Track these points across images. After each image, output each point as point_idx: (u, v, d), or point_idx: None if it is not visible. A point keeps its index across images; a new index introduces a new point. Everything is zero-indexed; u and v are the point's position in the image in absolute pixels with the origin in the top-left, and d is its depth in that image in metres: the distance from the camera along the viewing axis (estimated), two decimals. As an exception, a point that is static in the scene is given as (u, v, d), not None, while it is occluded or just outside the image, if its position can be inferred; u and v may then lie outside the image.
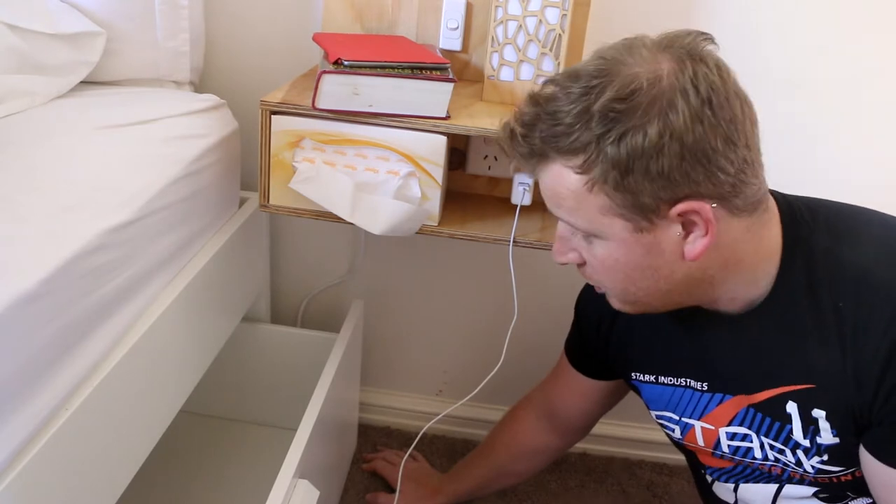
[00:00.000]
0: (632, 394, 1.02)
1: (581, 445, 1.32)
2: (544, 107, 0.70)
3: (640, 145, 0.66)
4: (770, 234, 0.76)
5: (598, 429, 1.20)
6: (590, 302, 1.01)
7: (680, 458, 1.07)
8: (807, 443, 0.80)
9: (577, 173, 0.69)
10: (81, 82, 1.06)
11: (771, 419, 0.81)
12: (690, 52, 0.69)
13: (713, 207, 0.69)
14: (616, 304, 0.82)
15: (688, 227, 0.71)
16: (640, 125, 0.66)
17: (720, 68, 0.69)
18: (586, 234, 0.74)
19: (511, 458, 1.20)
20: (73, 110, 0.98)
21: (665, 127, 0.66)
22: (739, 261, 0.75)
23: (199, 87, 1.21)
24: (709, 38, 0.71)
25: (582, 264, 0.79)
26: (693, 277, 0.75)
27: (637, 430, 1.43)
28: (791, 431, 0.80)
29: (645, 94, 0.66)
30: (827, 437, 0.78)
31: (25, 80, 0.96)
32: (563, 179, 0.71)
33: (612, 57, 0.70)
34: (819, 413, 0.77)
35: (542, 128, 0.70)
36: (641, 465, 1.44)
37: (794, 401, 0.78)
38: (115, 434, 0.80)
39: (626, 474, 1.42)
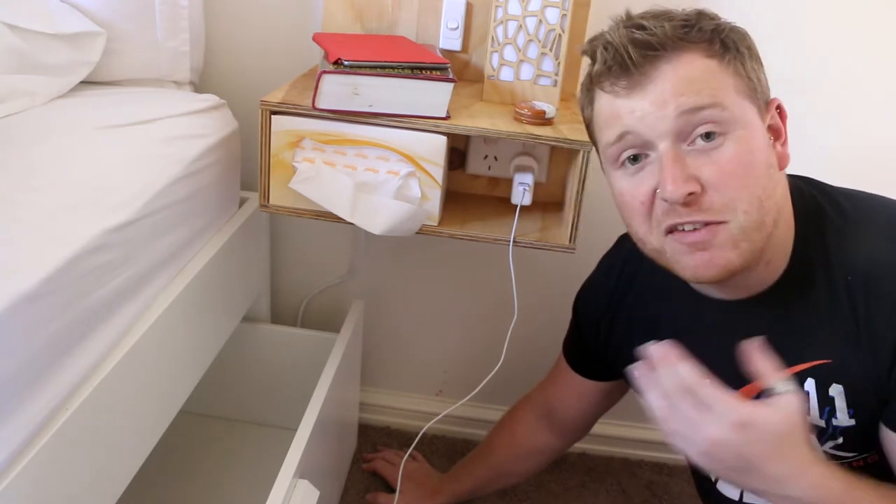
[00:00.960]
0: (631, 393, 1.02)
1: (581, 445, 1.32)
2: (647, 20, 0.74)
3: (744, 39, 0.75)
4: (787, 206, 0.78)
5: (598, 428, 1.20)
6: (589, 301, 1.01)
7: (680, 457, 1.07)
8: (822, 423, 0.79)
9: (711, 57, 0.73)
10: (81, 82, 1.06)
11: None
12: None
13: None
14: (735, 239, 0.72)
15: (774, 131, 0.76)
16: (733, 26, 0.75)
17: None
18: (725, 123, 0.71)
19: (510, 459, 1.20)
20: (73, 110, 0.98)
21: (746, 34, 0.76)
22: (784, 202, 0.77)
23: (199, 87, 1.21)
24: None
25: (697, 194, 0.71)
26: (780, 202, 0.76)
27: (637, 429, 1.43)
28: (807, 413, 0.79)
29: (714, 14, 0.75)
30: (843, 418, 0.77)
31: (25, 80, 0.96)
32: (699, 64, 0.72)
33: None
34: (837, 389, 0.77)
35: (661, 24, 0.73)
36: (641, 464, 1.44)
37: (812, 377, 0.78)
38: (115, 434, 0.80)
39: (625, 474, 1.42)
